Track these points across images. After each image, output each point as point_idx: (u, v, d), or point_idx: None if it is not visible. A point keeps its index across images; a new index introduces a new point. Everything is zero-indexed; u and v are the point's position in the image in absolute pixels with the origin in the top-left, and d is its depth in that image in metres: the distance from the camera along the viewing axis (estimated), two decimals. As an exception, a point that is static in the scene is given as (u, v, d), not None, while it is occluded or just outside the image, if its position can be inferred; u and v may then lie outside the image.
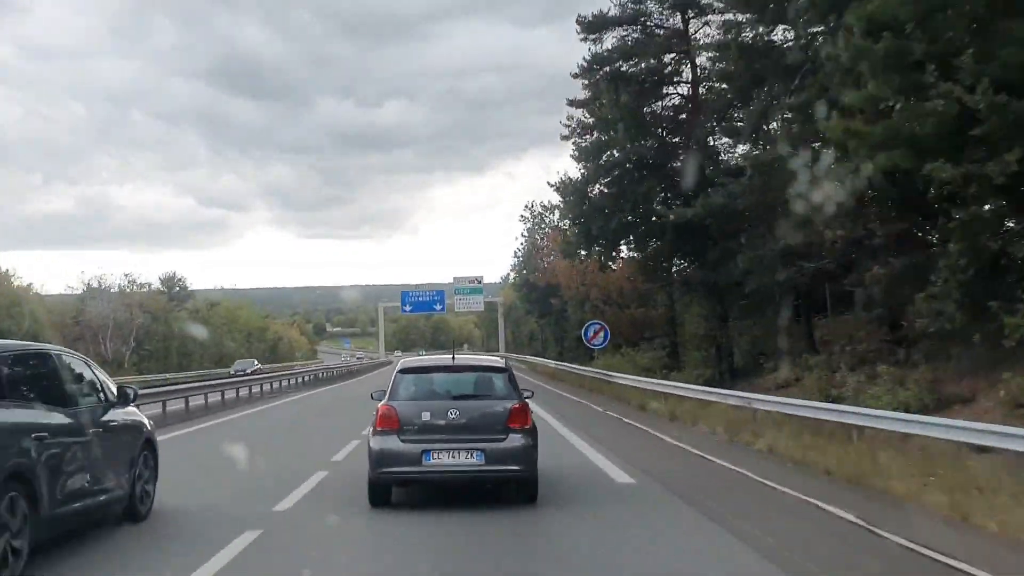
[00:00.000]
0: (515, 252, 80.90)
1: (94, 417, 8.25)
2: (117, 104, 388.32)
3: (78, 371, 8.52)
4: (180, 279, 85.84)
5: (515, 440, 9.59)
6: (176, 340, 71.25)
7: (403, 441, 9.50)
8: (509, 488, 9.93)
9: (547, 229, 70.38)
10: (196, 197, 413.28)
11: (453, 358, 10.37)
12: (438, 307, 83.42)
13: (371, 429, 9.82)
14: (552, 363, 52.76)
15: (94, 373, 8.81)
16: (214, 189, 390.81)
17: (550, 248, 63.47)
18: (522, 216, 77.06)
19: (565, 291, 54.11)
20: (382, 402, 9.84)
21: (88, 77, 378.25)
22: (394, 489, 9.90)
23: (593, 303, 47.32)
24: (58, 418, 7.55)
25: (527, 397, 10.20)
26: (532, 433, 9.82)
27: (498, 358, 12.10)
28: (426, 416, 9.58)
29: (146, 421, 9.74)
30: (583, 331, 34.16)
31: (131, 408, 9.28)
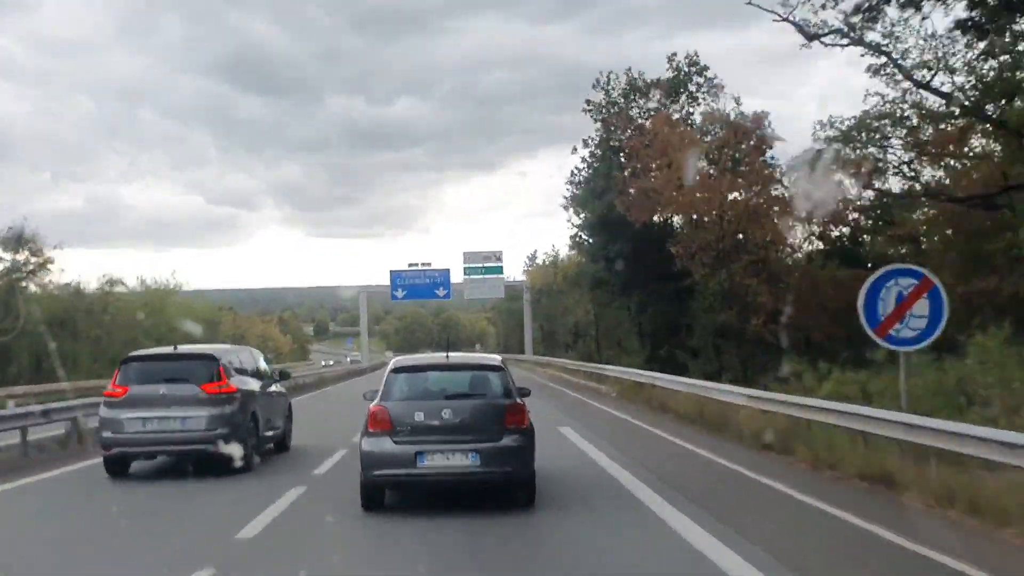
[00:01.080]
0: (572, 175, 45.55)
1: (271, 386, 14.61)
2: (125, 101, 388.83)
3: (260, 359, 15.18)
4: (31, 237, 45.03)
5: (511, 440, 9.29)
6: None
7: (396, 443, 9.20)
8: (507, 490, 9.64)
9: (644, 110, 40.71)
10: (205, 195, 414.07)
11: (447, 356, 10.05)
12: (441, 292, 63.59)
13: (363, 431, 9.51)
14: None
15: (266, 360, 15.74)
16: (223, 187, 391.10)
17: (659, 144, 32.62)
18: (588, 105, 41.77)
19: (690, 237, 31.40)
20: (374, 403, 9.52)
21: (96, 73, 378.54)
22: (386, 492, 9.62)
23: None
24: (258, 386, 13.80)
25: (524, 395, 9.89)
26: (528, 433, 9.50)
27: (496, 356, 11.76)
28: (419, 416, 9.27)
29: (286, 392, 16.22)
30: (867, 296, 11.24)
31: (283, 383, 16.00)
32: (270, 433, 13.92)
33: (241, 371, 13.38)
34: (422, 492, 9.82)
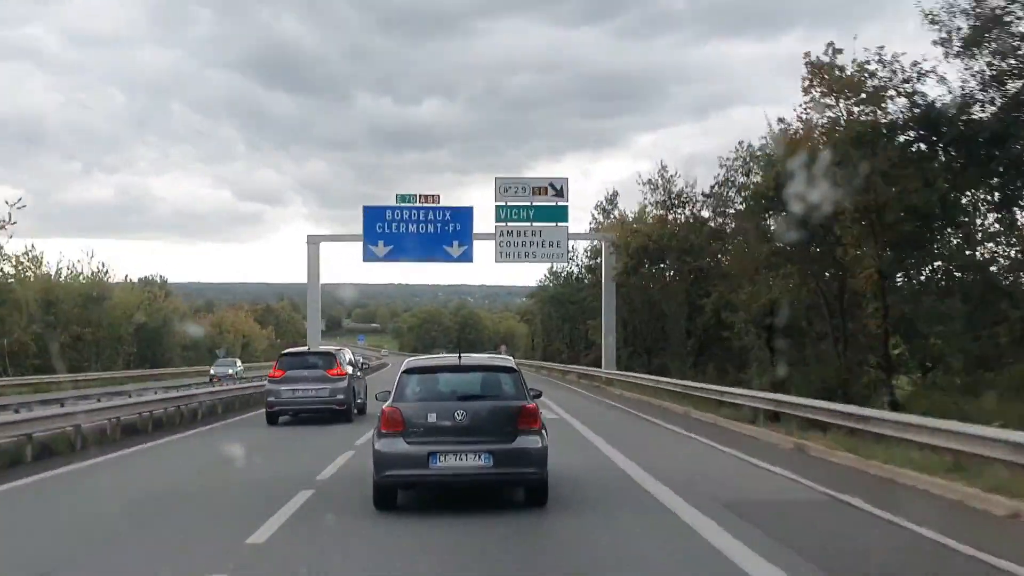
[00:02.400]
0: None
1: (358, 373, 23.29)
2: (155, 94, 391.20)
3: (353, 354, 24.28)
4: None
5: (525, 442, 9.26)
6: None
7: (409, 443, 9.19)
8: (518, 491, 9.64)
9: None
10: (233, 190, 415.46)
11: (459, 357, 10.03)
12: (455, 249, 37.88)
13: (375, 432, 9.51)
14: None
15: (352, 354, 24.35)
16: (251, 182, 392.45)
17: None
18: None
19: None
20: (386, 404, 9.53)
21: (127, 66, 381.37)
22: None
23: None
24: (354, 372, 22.38)
25: (536, 397, 9.86)
26: (542, 435, 9.48)
27: (507, 357, 11.73)
28: (432, 417, 9.27)
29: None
30: None
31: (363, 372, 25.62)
32: (359, 401, 21.93)
33: (346, 363, 21.76)
34: (434, 493, 9.81)
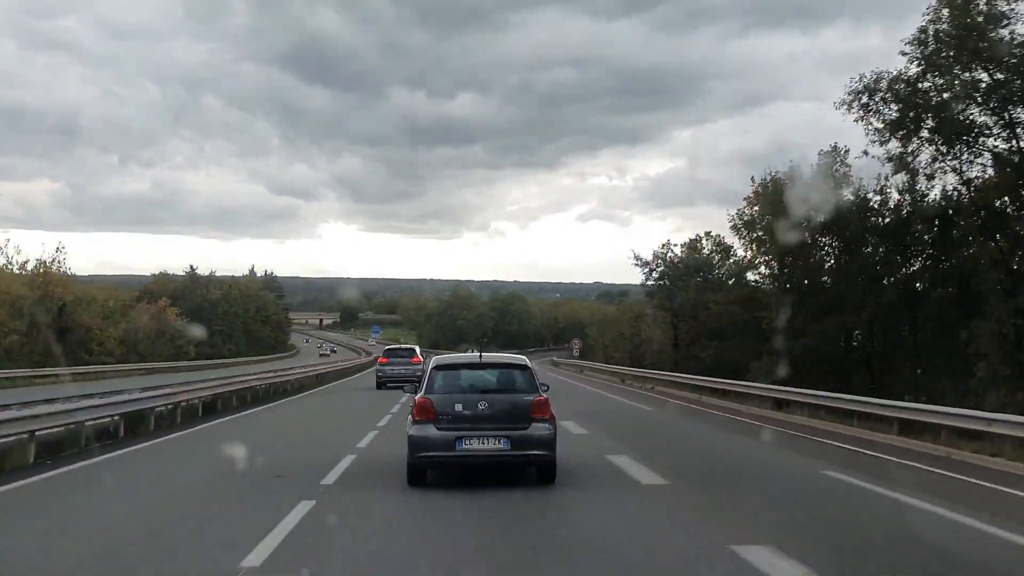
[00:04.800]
0: None
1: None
2: (190, 87, 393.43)
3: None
4: None
5: (537, 429, 10.90)
6: None
7: (439, 429, 10.83)
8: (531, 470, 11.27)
9: None
10: (267, 185, 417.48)
11: (480, 356, 11.70)
12: None
13: (410, 419, 11.16)
14: None
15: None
16: (285, 177, 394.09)
17: None
18: None
19: None
20: (419, 395, 11.18)
21: (162, 58, 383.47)
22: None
23: None
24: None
25: (545, 390, 11.48)
26: (552, 423, 11.09)
27: (522, 356, 13.36)
28: (459, 407, 10.90)
29: None
30: None
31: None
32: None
33: (419, 353, 38.31)
34: (460, 471, 11.42)
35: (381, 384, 34.82)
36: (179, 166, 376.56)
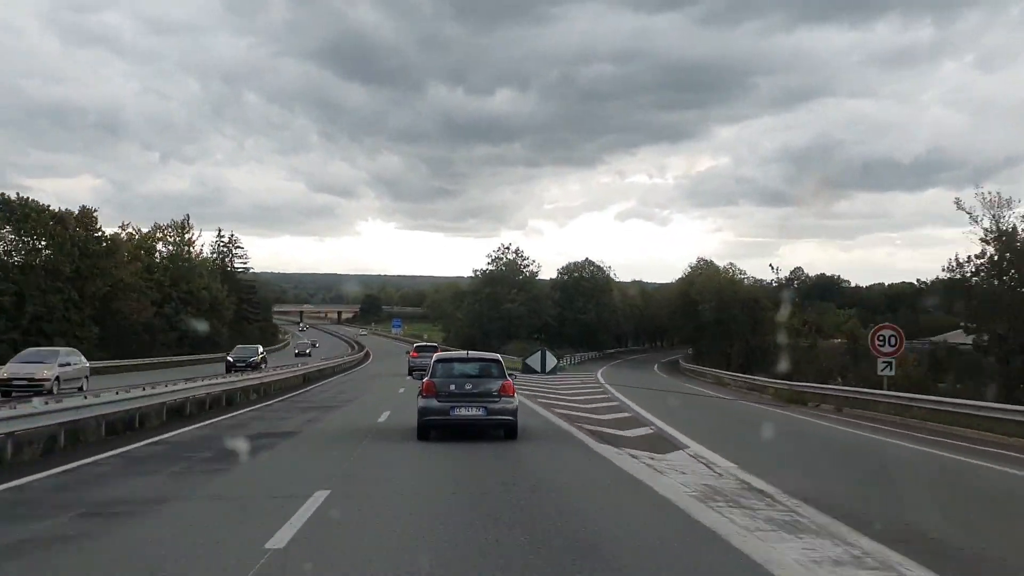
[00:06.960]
0: None
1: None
2: (230, 83, 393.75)
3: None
4: None
5: (504, 402, 16.40)
6: None
7: (438, 401, 16.36)
8: (499, 430, 16.78)
9: None
10: (307, 182, 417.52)
11: (467, 354, 17.30)
12: None
13: (420, 394, 16.69)
14: None
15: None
16: (325, 175, 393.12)
17: None
18: None
19: None
20: (425, 378, 16.73)
21: (202, 54, 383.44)
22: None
23: None
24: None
25: (512, 377, 16.92)
26: (514, 398, 16.56)
27: (496, 355, 19.16)
28: (452, 387, 16.43)
29: None
30: None
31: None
32: None
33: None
34: (453, 430, 16.77)
35: (411, 371, 45.10)
36: (220, 163, 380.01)
